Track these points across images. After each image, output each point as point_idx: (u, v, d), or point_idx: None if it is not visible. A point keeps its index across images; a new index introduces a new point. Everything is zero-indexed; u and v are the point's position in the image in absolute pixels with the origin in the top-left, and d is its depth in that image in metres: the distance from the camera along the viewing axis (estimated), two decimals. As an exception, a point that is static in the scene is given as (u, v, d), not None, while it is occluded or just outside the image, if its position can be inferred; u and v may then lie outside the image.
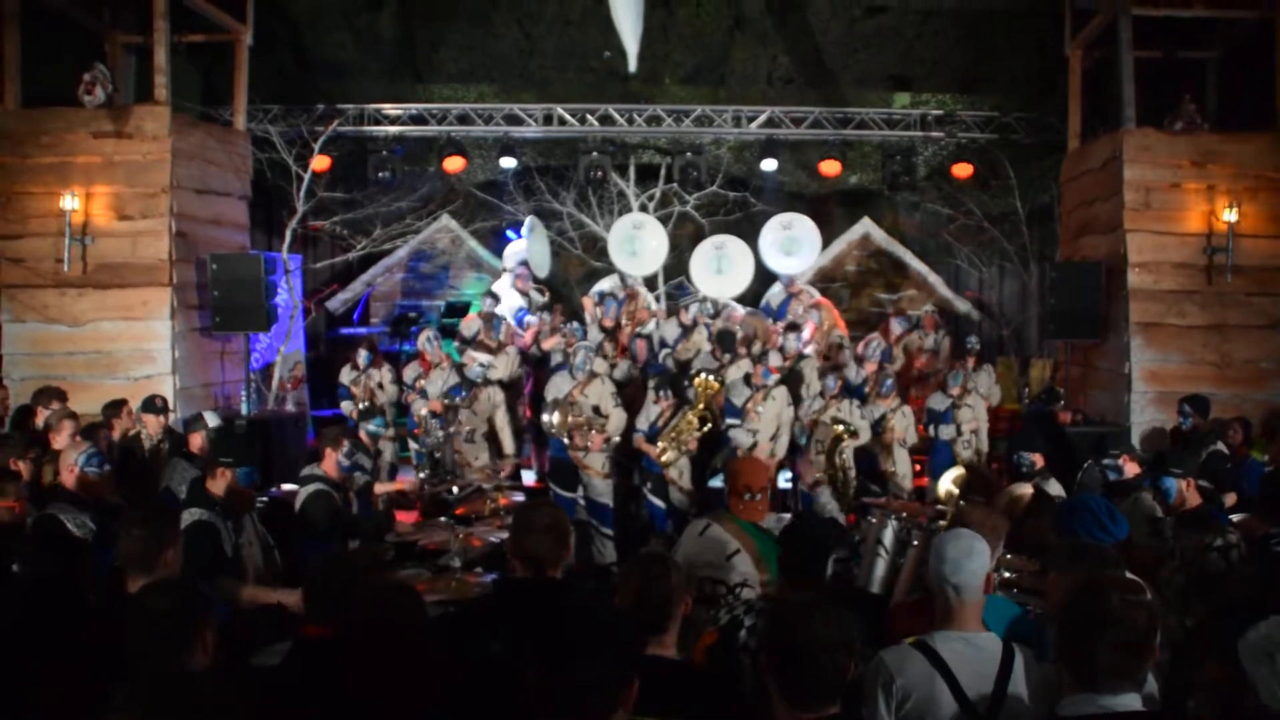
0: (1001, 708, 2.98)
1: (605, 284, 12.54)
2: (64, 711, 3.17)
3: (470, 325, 11.13)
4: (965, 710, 2.97)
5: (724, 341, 10.01)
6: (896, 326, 11.49)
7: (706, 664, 3.59)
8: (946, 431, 9.56)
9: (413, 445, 10.22)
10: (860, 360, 10.50)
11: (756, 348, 10.59)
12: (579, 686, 2.40)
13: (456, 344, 11.17)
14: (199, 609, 3.05)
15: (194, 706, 2.45)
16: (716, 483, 9.37)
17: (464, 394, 9.17)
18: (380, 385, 10.15)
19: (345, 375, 10.28)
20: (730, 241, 12.15)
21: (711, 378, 9.04)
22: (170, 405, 8.99)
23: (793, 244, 12.17)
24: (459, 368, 9.39)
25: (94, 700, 2.95)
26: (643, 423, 9.05)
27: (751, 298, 12.59)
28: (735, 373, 9.57)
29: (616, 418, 9.05)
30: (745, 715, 3.15)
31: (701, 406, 9.02)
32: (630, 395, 9.63)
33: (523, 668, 2.61)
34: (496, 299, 11.57)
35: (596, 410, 9.03)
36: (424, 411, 9.20)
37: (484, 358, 9.19)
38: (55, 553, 4.05)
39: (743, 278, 11.98)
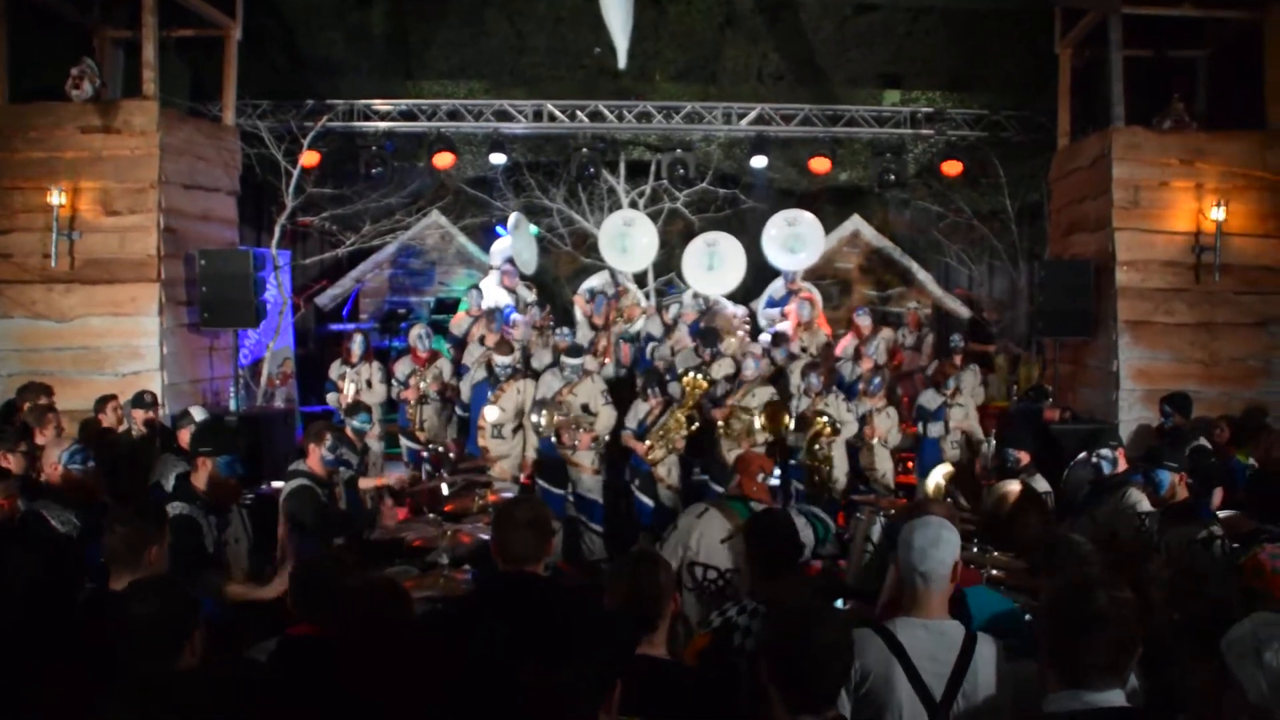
0: (957, 695, 3.00)
1: (595, 281, 12.53)
2: (52, 709, 3.16)
3: (460, 324, 11.11)
4: (920, 695, 2.99)
5: (707, 338, 10.02)
6: (863, 320, 11.47)
7: (700, 668, 3.58)
8: (935, 429, 9.59)
9: (404, 442, 10.22)
10: (859, 357, 10.53)
11: (728, 344, 10.60)
12: (560, 688, 2.41)
13: (448, 344, 11.15)
14: (186, 611, 3.04)
15: (184, 708, 2.45)
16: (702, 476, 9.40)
17: (493, 389, 9.19)
18: (369, 383, 10.12)
19: (334, 370, 10.25)
20: (722, 239, 12.15)
21: (700, 376, 9.04)
22: (160, 401, 8.97)
23: (796, 241, 12.16)
24: (486, 364, 9.41)
25: (81, 698, 2.95)
26: (631, 421, 9.07)
27: (743, 295, 12.60)
28: (720, 371, 9.59)
29: (606, 416, 9.04)
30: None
31: (690, 405, 9.02)
32: (622, 393, 9.65)
33: (505, 664, 2.62)
34: (481, 292, 11.54)
35: (586, 408, 9.02)
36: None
37: (503, 359, 9.22)
38: (39, 550, 4.03)
39: (734, 275, 11.98)
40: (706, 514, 4.89)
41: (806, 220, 12.27)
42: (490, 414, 9.11)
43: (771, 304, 12.14)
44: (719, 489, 8.73)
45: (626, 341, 10.46)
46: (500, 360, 9.20)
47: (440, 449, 9.14)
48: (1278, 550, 3.90)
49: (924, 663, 3.02)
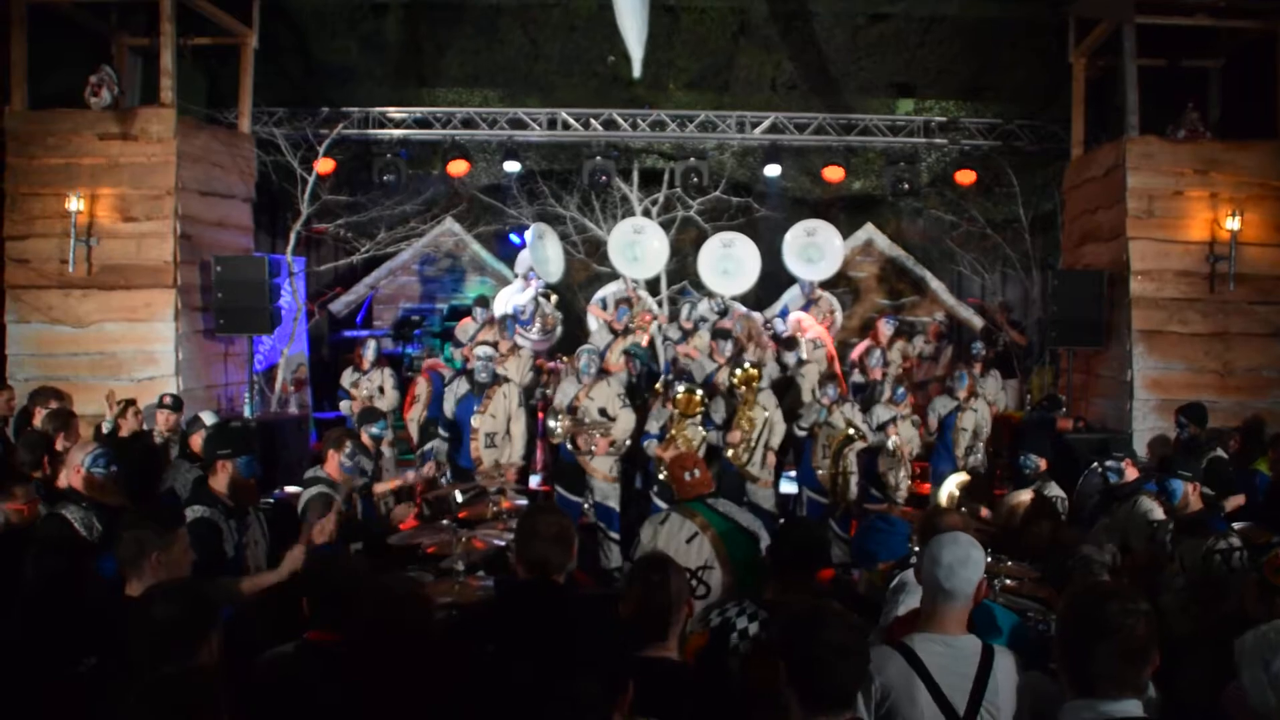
0: (979, 710, 3.00)
1: (609, 290, 12.53)
2: (65, 713, 3.19)
3: (465, 329, 11.16)
4: (943, 711, 2.99)
5: (719, 335, 10.02)
6: (886, 329, 11.45)
7: (695, 666, 3.61)
8: (968, 419, 9.54)
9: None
10: (864, 368, 10.53)
11: (753, 351, 10.56)
12: (575, 695, 2.43)
13: (454, 351, 11.17)
14: (204, 614, 3.05)
15: (193, 710, 2.47)
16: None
17: (479, 401, 9.17)
18: (381, 389, 10.14)
19: (346, 378, 10.27)
20: (738, 240, 12.20)
21: (698, 395, 8.93)
22: (181, 404, 8.99)
23: (815, 251, 12.18)
24: (467, 374, 9.37)
25: (93, 702, 2.97)
26: (652, 426, 9.00)
27: (753, 302, 12.60)
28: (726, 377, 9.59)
29: (625, 419, 8.97)
30: (732, 719, 3.17)
31: (700, 415, 8.94)
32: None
33: (523, 671, 2.63)
34: (487, 304, 11.54)
35: (603, 412, 9.00)
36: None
37: (484, 349, 9.17)
38: (60, 553, 4.06)
39: (748, 277, 12.03)
40: (668, 519, 4.95)
41: (825, 230, 12.29)
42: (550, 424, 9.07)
43: (784, 314, 12.11)
44: (727, 503, 8.69)
45: (630, 355, 10.42)
46: (480, 350, 9.20)
47: (439, 461, 9.10)
48: None
49: (945, 678, 3.02)
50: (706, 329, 10.70)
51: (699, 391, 8.87)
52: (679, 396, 8.80)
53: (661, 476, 8.76)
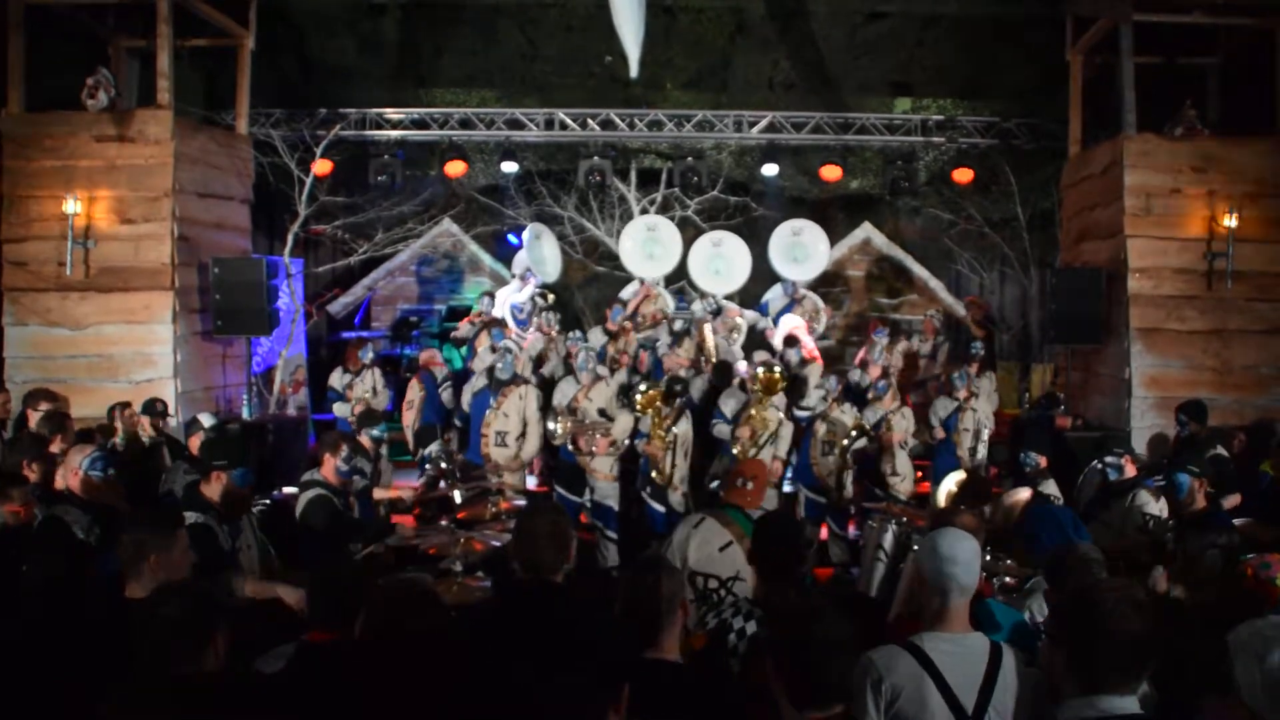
0: (988, 708, 3.00)
1: (627, 290, 12.46)
2: (65, 713, 3.18)
3: (466, 329, 11.16)
4: (953, 710, 2.99)
5: (721, 374, 10.00)
6: (879, 339, 11.41)
7: (694, 667, 3.60)
8: (968, 419, 9.50)
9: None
10: (864, 365, 10.54)
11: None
12: (570, 695, 2.43)
13: (455, 340, 11.19)
14: (210, 614, 3.05)
15: (192, 710, 2.46)
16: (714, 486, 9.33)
17: (494, 397, 9.16)
18: (374, 390, 10.12)
19: (336, 379, 10.24)
20: (728, 239, 12.20)
21: (664, 387, 8.92)
22: (169, 410, 8.99)
23: (800, 251, 12.17)
24: (488, 371, 9.36)
25: (93, 702, 2.97)
26: (644, 427, 9.01)
27: (751, 299, 12.60)
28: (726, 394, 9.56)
29: (623, 420, 8.95)
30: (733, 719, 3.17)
31: (659, 420, 8.90)
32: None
33: (520, 671, 2.63)
34: (493, 299, 11.56)
35: (602, 413, 9.00)
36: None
37: (510, 343, 9.18)
38: (59, 555, 4.06)
39: (738, 277, 12.04)
40: (703, 523, 4.88)
41: (811, 231, 12.27)
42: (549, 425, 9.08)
43: (764, 312, 12.07)
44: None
45: (644, 348, 10.42)
46: (508, 342, 9.21)
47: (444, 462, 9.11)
48: (1265, 559, 3.94)
49: (954, 677, 3.02)
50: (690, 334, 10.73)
51: (659, 386, 8.89)
52: (642, 396, 8.80)
53: (652, 474, 8.78)
